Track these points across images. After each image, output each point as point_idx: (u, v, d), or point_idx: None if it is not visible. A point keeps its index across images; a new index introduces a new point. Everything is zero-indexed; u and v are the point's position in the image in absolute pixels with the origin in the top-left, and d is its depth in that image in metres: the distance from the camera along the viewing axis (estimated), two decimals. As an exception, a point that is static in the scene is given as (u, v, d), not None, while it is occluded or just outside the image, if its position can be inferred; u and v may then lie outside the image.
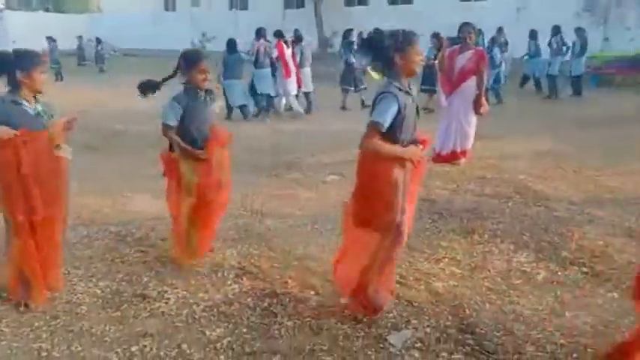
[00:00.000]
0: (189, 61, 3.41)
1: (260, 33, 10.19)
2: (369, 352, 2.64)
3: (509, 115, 10.12)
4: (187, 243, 3.56)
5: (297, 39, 10.90)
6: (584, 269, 3.59)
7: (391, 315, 2.95)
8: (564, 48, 12.70)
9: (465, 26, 6.27)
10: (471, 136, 6.45)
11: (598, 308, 3.09)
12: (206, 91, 3.51)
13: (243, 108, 10.03)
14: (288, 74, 10.18)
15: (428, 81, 10.53)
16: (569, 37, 12.99)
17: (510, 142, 7.64)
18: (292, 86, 10.37)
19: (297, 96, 10.71)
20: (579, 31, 12.84)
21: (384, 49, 2.63)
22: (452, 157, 6.43)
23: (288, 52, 10.30)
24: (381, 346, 2.69)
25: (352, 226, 2.85)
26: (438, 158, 6.48)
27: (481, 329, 2.80)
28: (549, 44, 12.78)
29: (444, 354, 2.62)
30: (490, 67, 11.94)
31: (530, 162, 6.46)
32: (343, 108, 11.04)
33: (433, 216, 4.51)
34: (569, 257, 3.74)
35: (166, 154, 3.53)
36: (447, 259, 3.67)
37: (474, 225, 4.28)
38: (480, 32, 13.10)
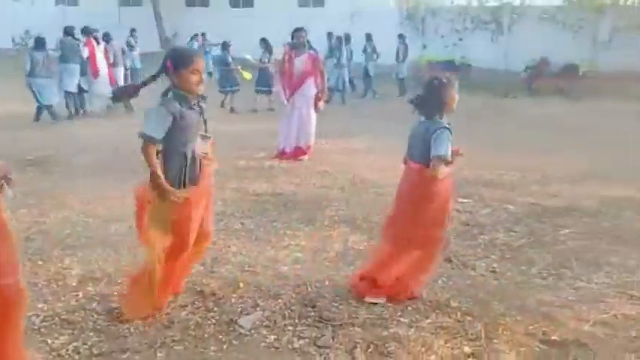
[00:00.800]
0: (180, 59, 2.68)
1: (66, 30, 10.09)
2: (220, 337, 2.77)
3: (349, 115, 10.97)
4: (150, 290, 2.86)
5: (105, 37, 11.02)
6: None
7: (241, 300, 3.12)
8: (375, 54, 14.27)
9: (297, 31, 6.71)
10: (312, 133, 6.91)
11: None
12: (198, 96, 2.78)
13: (49, 108, 9.55)
14: (95, 74, 10.13)
15: (262, 83, 11.27)
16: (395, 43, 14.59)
17: (350, 139, 8.34)
18: (100, 86, 10.23)
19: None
20: (401, 37, 14.43)
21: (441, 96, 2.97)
22: (296, 154, 6.82)
23: (99, 50, 10.24)
24: (232, 329, 2.84)
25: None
26: (283, 155, 6.82)
27: (321, 302, 3.11)
28: (364, 50, 14.25)
29: (290, 328, 2.87)
30: (339, 67, 13.01)
31: (366, 156, 7.14)
32: (232, 110, 11.27)
33: (279, 208, 4.80)
34: (396, 234, 4.29)
35: (142, 189, 2.76)
36: (291, 246, 3.96)
37: (316, 214, 4.66)
38: (329, 35, 14.26)
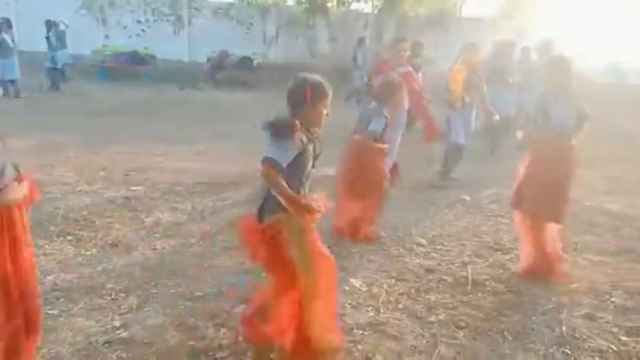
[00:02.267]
0: (321, 92, 2.39)
1: None
2: None
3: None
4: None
5: None
6: (70, 237, 4.07)
7: None
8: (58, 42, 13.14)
9: None
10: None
11: (78, 266, 3.62)
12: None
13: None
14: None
15: None
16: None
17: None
18: None
19: None
20: (53, 25, 13.29)
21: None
22: None
23: None
24: None
25: None
26: None
27: None
28: (47, 38, 12.96)
29: None
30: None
31: (31, 153, 6.54)
32: None
33: None
34: (56, 230, 4.15)
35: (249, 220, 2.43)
36: None
37: None
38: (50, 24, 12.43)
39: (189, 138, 8.29)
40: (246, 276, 3.50)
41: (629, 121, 12.23)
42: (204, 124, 9.74)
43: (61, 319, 2.92)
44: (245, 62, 16.00)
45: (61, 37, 13.36)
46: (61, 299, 3.14)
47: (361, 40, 13.40)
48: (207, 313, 3.05)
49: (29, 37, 14.77)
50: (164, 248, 3.99)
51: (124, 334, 2.81)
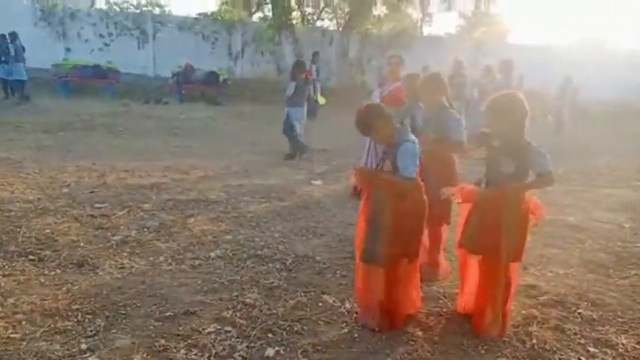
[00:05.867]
0: None
1: None
2: None
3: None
4: None
5: None
6: (32, 257, 3.90)
7: None
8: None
9: None
10: None
11: (40, 286, 3.46)
12: None
13: None
14: None
15: None
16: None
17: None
18: None
19: None
20: (12, 36, 13.09)
21: None
22: None
23: None
24: None
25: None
26: None
27: None
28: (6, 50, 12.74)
29: None
30: None
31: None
32: None
33: None
34: (17, 250, 3.97)
35: None
36: None
37: None
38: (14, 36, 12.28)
39: (155, 153, 8.14)
40: (216, 294, 3.44)
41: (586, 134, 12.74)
42: (170, 140, 9.59)
43: (24, 343, 2.78)
44: (211, 77, 15.90)
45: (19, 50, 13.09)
46: (23, 322, 2.99)
47: (315, 55, 13.66)
48: (178, 333, 2.97)
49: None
50: (132, 267, 3.87)
51: (91, 358, 2.70)
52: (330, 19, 22.89)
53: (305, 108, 8.45)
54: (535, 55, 15.80)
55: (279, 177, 7.06)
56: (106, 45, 17.62)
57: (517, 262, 3.07)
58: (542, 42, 26.64)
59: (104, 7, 18.48)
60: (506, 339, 3.08)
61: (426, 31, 23.18)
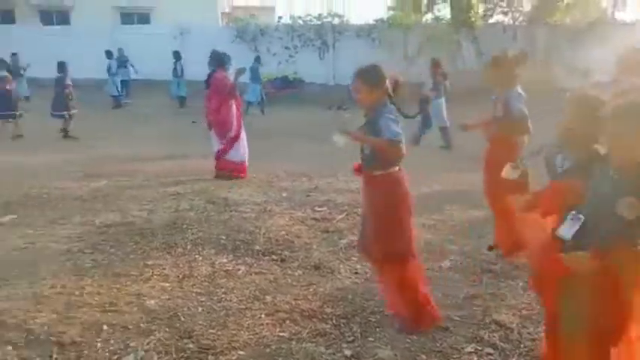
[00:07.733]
0: None
1: None
2: (91, 389, 2.49)
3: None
4: None
5: None
6: (274, 257, 4.18)
7: (108, 345, 2.83)
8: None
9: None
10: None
11: (289, 286, 3.67)
12: None
13: None
14: None
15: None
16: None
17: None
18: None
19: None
20: (176, 55, 16.15)
21: None
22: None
23: None
24: (103, 378, 2.57)
25: None
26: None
27: (197, 331, 2.98)
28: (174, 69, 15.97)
29: (168, 364, 2.69)
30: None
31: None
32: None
33: (134, 238, 4.46)
34: (261, 249, 4.29)
35: None
36: (155, 277, 3.71)
37: (176, 239, 4.44)
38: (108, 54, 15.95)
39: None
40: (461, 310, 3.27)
41: None
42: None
43: (293, 343, 2.93)
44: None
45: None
46: (287, 321, 3.15)
47: (434, 62, 11.64)
48: (437, 350, 2.87)
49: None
50: (366, 272, 3.91)
51: (356, 365, 2.73)
52: (505, 13, 21.46)
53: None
54: None
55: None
56: (291, 57, 18.82)
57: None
58: None
59: (289, 21, 19.73)
60: None
61: (618, 17, 20.41)
